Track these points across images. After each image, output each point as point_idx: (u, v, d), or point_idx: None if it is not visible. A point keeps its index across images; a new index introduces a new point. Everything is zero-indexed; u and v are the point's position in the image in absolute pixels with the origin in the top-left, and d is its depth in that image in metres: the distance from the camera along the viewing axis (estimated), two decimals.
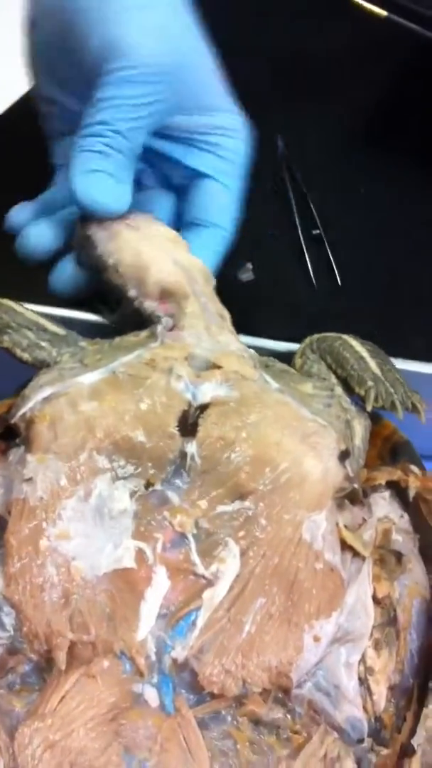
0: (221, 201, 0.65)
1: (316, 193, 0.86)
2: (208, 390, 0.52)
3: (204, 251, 0.63)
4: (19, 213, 0.67)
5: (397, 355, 0.61)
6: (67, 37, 0.60)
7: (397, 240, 0.83)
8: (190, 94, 0.62)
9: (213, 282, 0.59)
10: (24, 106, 0.82)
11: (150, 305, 0.57)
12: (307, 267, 0.80)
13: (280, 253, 0.78)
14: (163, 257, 0.58)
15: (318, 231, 0.83)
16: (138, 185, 0.64)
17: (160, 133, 0.63)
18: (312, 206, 0.84)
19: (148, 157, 0.66)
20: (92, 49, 0.59)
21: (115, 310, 0.62)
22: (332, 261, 0.81)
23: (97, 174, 0.59)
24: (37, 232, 0.65)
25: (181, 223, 0.66)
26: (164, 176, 0.68)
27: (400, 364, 0.61)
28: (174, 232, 0.61)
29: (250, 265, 0.75)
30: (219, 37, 0.64)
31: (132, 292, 0.58)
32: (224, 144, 0.65)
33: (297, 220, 0.84)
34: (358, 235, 0.84)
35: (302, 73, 0.97)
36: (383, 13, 0.88)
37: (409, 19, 0.88)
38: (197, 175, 0.65)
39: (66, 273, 0.65)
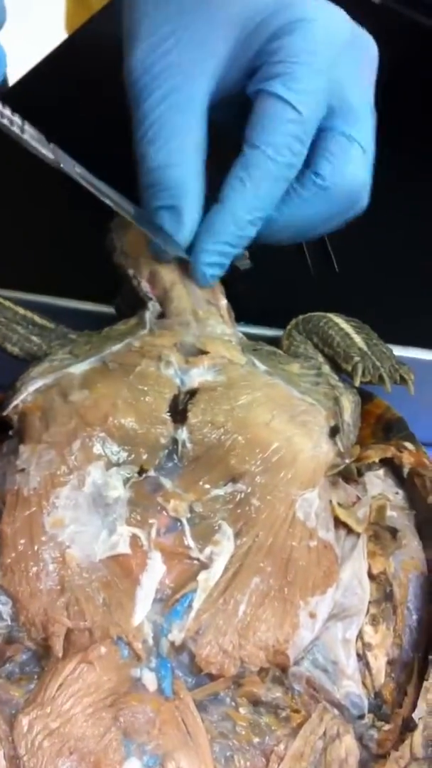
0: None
1: None
2: (196, 375, 0.50)
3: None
4: None
5: (395, 342, 0.59)
6: None
7: (395, 226, 0.81)
8: None
9: None
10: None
11: (144, 285, 0.56)
12: (305, 254, 0.78)
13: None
14: None
15: None
16: None
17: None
18: None
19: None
20: None
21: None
22: (329, 248, 0.79)
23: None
24: None
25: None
26: None
27: (399, 350, 0.58)
28: None
29: (247, 253, 0.73)
30: None
31: (130, 271, 0.57)
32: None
33: None
34: (356, 222, 0.81)
35: None
36: None
37: (405, 4, 0.85)
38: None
39: None
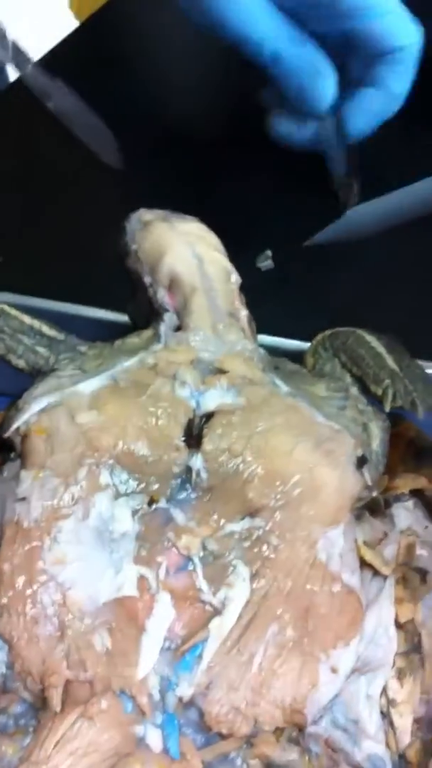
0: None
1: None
2: (214, 397, 0.45)
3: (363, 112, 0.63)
4: None
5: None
6: None
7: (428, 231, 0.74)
8: None
9: (234, 281, 0.51)
10: None
11: (162, 294, 0.51)
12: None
13: (303, 239, 0.69)
14: (182, 247, 0.51)
15: None
16: None
17: None
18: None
19: None
20: None
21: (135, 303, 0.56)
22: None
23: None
24: None
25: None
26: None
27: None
28: (205, 228, 0.53)
29: (269, 252, 0.67)
30: None
31: (147, 279, 0.51)
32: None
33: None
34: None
35: None
36: None
37: None
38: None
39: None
